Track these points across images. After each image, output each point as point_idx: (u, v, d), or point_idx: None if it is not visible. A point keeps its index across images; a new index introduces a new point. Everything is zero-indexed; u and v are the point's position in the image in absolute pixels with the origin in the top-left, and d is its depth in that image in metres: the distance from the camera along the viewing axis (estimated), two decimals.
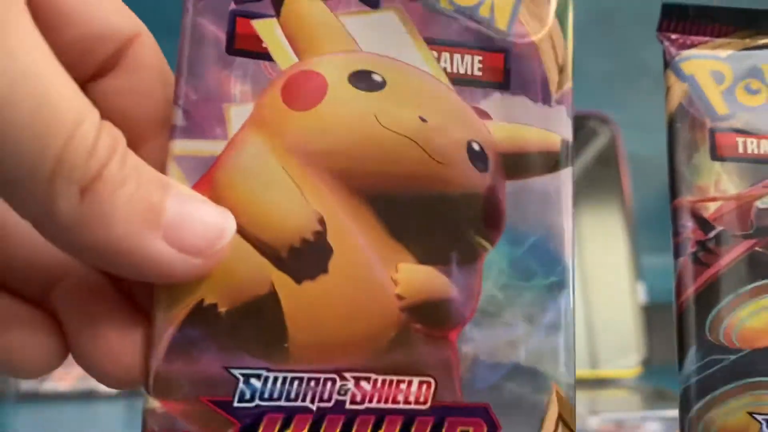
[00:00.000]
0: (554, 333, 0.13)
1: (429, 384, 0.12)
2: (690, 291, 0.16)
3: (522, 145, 0.14)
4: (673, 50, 0.18)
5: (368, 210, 0.13)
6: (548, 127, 0.14)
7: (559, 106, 0.14)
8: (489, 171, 0.13)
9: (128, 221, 0.11)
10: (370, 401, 0.12)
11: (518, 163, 0.13)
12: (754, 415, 0.15)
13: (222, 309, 0.12)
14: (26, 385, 0.52)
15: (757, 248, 0.16)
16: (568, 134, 0.14)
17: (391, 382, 0.12)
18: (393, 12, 0.13)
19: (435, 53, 0.13)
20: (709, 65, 0.18)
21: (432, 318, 0.13)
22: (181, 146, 0.12)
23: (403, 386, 0.12)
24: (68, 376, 0.52)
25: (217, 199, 0.12)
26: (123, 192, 0.11)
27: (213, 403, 0.12)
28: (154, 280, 0.12)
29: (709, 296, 0.16)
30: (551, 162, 0.14)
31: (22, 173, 0.10)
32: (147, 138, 0.13)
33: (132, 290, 0.13)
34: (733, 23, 0.18)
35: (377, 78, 0.13)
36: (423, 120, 0.13)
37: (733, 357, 0.16)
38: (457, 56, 0.14)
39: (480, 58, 0.14)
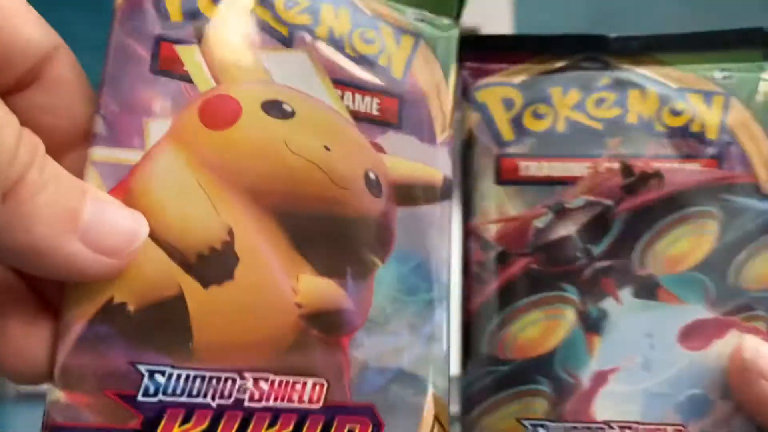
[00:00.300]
0: (433, 342, 0.15)
1: (322, 385, 0.13)
2: (472, 307, 0.18)
3: (410, 177, 0.15)
4: (470, 79, 0.19)
5: (274, 225, 0.14)
6: (433, 164, 0.16)
7: (442, 147, 0.16)
8: (382, 197, 0.15)
9: (47, 224, 0.11)
10: (267, 400, 0.13)
11: (407, 193, 0.15)
12: (522, 421, 0.17)
13: (131, 308, 0.12)
14: (27, 385, 0.49)
15: (532, 265, 0.17)
16: (448, 172, 0.16)
17: (287, 382, 0.13)
18: (304, 52, 0.15)
19: (339, 92, 0.15)
20: (502, 92, 0.18)
21: (327, 325, 0.14)
22: (100, 153, 0.13)
23: (298, 387, 0.13)
24: None
25: (132, 204, 0.13)
26: (42, 196, 0.11)
27: (118, 396, 0.12)
28: (70, 278, 0.12)
29: (487, 311, 0.17)
30: (434, 194, 0.16)
31: None
32: (66, 149, 0.13)
33: (42, 288, 0.13)
34: (528, 50, 0.19)
35: (287, 108, 0.14)
36: (327, 149, 0.14)
37: (505, 367, 0.17)
38: (358, 96, 0.15)
39: (378, 100, 0.15)
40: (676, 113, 0.18)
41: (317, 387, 0.13)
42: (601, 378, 0.17)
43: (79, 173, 0.12)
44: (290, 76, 0.15)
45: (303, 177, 0.14)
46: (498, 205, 0.18)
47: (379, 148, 0.15)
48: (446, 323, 0.15)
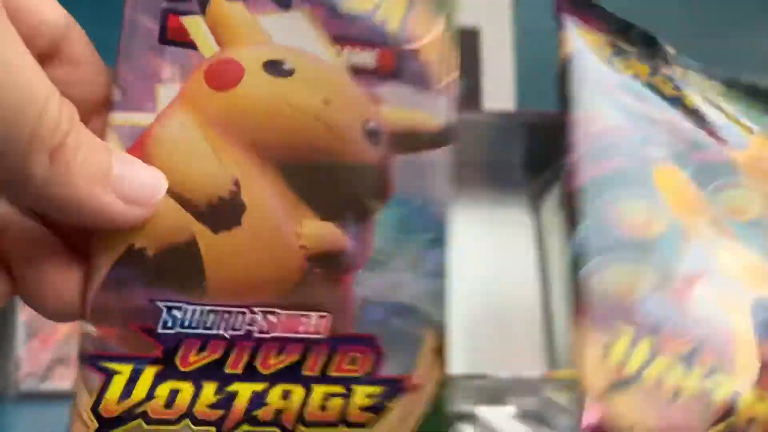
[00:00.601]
0: (432, 279, 0.15)
1: (326, 318, 0.15)
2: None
3: (408, 125, 0.16)
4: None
5: (278, 175, 0.15)
6: (432, 111, 0.16)
7: (442, 94, 0.16)
8: (381, 146, 0.16)
9: (85, 178, 0.13)
10: (275, 331, 0.14)
11: (406, 141, 0.16)
12: None
13: (149, 252, 0.14)
14: (27, 384, 0.53)
15: None
16: (449, 117, 0.16)
17: (293, 316, 0.15)
18: (302, 13, 0.16)
19: (338, 48, 0.16)
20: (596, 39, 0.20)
21: (330, 264, 0.15)
22: (118, 118, 0.15)
23: (303, 320, 0.15)
24: (68, 376, 0.53)
25: (148, 161, 0.14)
26: (80, 156, 0.13)
27: (140, 329, 0.14)
28: (104, 226, 0.14)
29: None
30: (434, 140, 0.16)
31: (3, 146, 0.12)
32: (85, 118, 0.15)
33: (72, 238, 0.15)
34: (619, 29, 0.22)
35: (287, 66, 0.15)
36: (326, 102, 0.15)
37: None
38: (356, 50, 0.16)
39: (376, 53, 0.16)
40: None
41: (322, 320, 0.15)
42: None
43: (100, 137, 0.14)
44: (290, 36, 0.16)
45: (303, 129, 0.15)
46: None
47: (379, 99, 0.16)
48: (445, 262, 0.16)
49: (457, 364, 0.57)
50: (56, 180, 0.13)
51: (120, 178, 0.14)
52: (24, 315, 0.53)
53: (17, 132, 0.12)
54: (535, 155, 0.58)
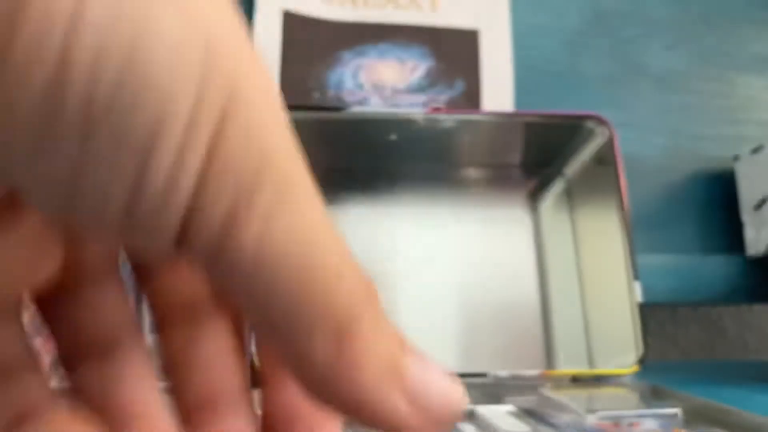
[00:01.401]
0: None
1: None
2: None
3: None
4: None
5: None
6: None
7: None
8: None
9: (373, 372, 0.11)
10: None
11: None
12: None
13: None
14: None
15: None
16: None
17: None
18: None
19: None
20: None
21: None
22: None
23: None
24: None
25: None
26: (371, 344, 0.11)
27: None
28: (383, 426, 0.12)
29: None
30: None
31: (287, 323, 0.10)
32: None
33: None
34: None
35: None
36: None
37: None
38: None
39: None
40: None
41: None
42: None
43: None
44: None
45: None
46: None
47: None
48: None
49: (456, 362, 0.58)
50: (340, 368, 0.11)
51: (414, 379, 0.12)
52: (27, 314, 0.54)
53: (302, 313, 0.10)
54: (534, 155, 0.58)
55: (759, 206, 0.63)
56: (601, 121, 0.54)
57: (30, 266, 0.12)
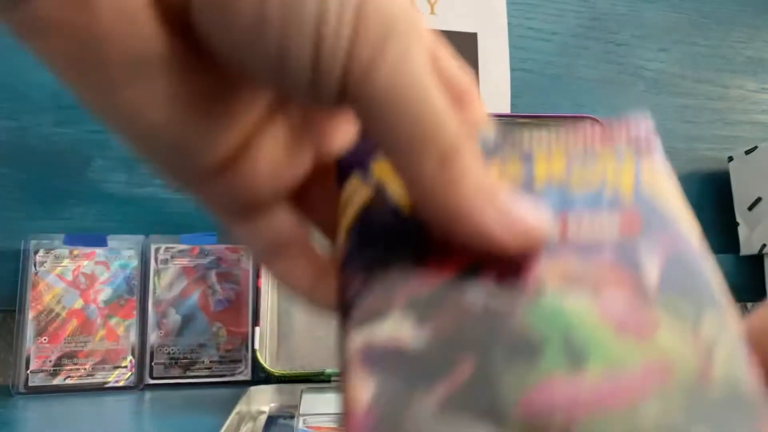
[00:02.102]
0: None
1: None
2: None
3: None
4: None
5: None
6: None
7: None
8: None
9: (472, 194, 0.13)
10: None
11: None
12: None
13: None
14: (36, 379, 0.54)
15: None
16: None
17: None
18: None
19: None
20: None
21: None
22: None
23: None
24: (76, 372, 0.55)
25: None
26: (469, 171, 0.13)
27: None
28: (478, 243, 0.14)
29: None
30: None
31: (402, 144, 0.13)
32: None
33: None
34: None
35: None
36: None
37: None
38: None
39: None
40: None
41: None
42: None
43: None
44: None
45: None
46: None
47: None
48: None
49: None
50: (444, 187, 0.13)
51: (505, 205, 0.14)
52: (33, 312, 0.55)
53: (415, 137, 0.13)
54: None
55: (752, 206, 0.64)
56: (596, 123, 0.55)
57: (296, 158, 0.15)
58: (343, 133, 0.17)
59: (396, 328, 0.14)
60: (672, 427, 0.12)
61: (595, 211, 0.15)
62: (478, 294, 0.14)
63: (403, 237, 0.15)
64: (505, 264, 0.14)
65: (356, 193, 0.16)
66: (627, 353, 0.13)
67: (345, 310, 0.14)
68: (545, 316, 0.14)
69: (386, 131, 0.13)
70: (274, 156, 0.15)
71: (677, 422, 0.12)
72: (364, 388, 0.13)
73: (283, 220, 0.16)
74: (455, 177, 0.13)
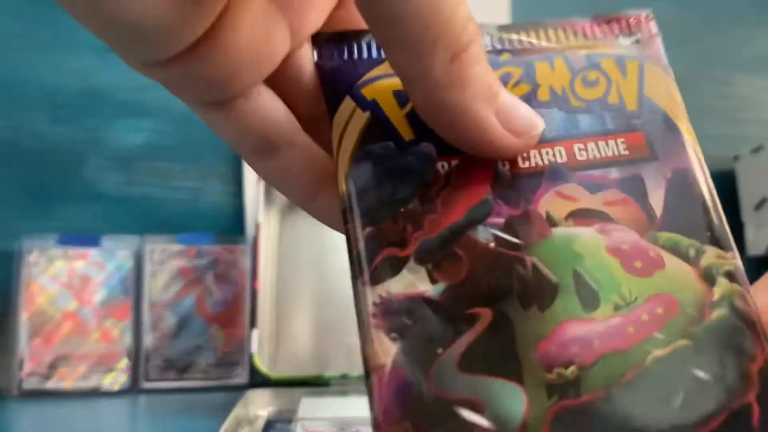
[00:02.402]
0: None
1: None
2: None
3: None
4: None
5: None
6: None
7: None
8: None
9: (476, 90, 0.14)
10: None
11: None
12: None
13: None
14: (29, 383, 0.53)
15: None
16: None
17: None
18: None
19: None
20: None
21: None
22: None
23: None
24: (71, 375, 0.54)
25: None
26: (477, 68, 0.14)
27: None
28: (481, 146, 0.14)
29: None
30: None
31: (413, 36, 0.13)
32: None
33: None
34: None
35: None
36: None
37: None
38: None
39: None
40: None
41: None
42: None
43: None
44: None
45: None
46: None
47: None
48: None
49: None
50: (451, 83, 0.13)
51: (504, 103, 0.14)
52: (26, 314, 0.54)
53: (428, 28, 0.13)
54: None
55: (759, 206, 0.63)
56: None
57: (272, 34, 0.15)
58: (318, 12, 0.16)
59: (411, 281, 0.14)
60: (678, 360, 0.13)
61: (600, 134, 0.15)
62: (488, 235, 0.14)
63: (406, 174, 0.15)
64: (514, 200, 0.14)
65: (352, 120, 0.16)
66: (635, 290, 0.14)
67: (356, 264, 0.14)
68: (555, 257, 0.14)
69: (396, 21, 0.13)
70: (250, 31, 0.14)
71: (683, 354, 0.13)
72: (386, 347, 0.13)
73: (266, 108, 0.15)
74: (464, 75, 0.13)
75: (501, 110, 0.14)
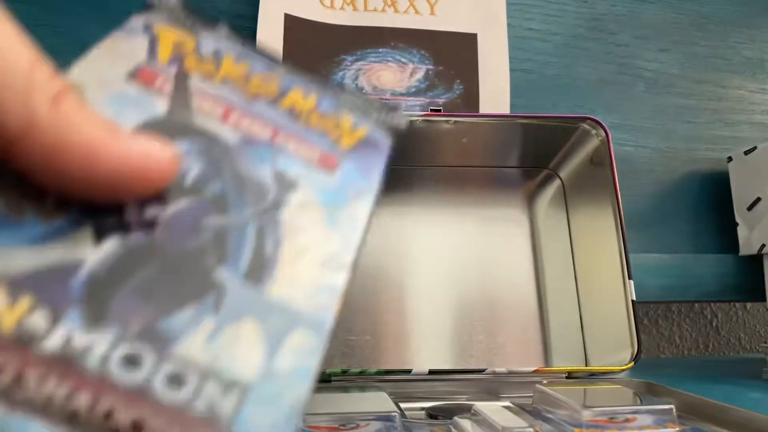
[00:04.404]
0: None
1: None
2: None
3: None
4: None
5: None
6: None
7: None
8: None
9: (93, 124, 0.13)
10: None
11: None
12: None
13: None
14: None
15: None
16: None
17: None
18: None
19: None
20: None
21: None
22: None
23: None
24: None
25: None
26: (83, 108, 0.14)
27: None
28: (126, 176, 0.14)
29: None
30: None
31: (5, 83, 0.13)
32: None
33: None
34: None
35: None
36: None
37: None
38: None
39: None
40: None
41: None
42: None
43: None
44: None
45: None
46: None
47: None
48: None
49: (453, 359, 0.58)
50: (62, 122, 0.13)
51: (127, 132, 0.14)
52: None
53: (13, 74, 0.12)
54: (530, 157, 0.59)
55: (752, 206, 0.64)
56: (595, 123, 0.55)
57: None
58: None
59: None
60: None
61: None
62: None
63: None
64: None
65: None
66: None
67: None
68: None
69: None
70: None
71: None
72: None
73: None
74: (70, 113, 0.13)
75: (127, 138, 0.14)
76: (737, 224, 0.65)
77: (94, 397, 0.12)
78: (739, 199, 0.65)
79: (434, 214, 0.58)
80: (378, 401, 0.38)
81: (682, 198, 0.69)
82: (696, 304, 0.75)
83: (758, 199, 0.63)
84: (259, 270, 0.15)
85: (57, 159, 0.13)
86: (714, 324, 0.75)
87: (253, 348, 0.14)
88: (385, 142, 0.19)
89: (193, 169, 0.16)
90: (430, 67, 0.62)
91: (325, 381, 0.52)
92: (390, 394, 0.40)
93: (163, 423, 0.12)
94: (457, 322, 0.56)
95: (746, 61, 0.73)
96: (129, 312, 0.13)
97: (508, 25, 0.65)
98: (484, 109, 0.61)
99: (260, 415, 0.13)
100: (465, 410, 0.38)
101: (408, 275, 0.56)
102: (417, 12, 0.62)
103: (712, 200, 0.69)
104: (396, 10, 0.62)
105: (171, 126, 0.17)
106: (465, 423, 0.37)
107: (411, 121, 0.54)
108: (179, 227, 0.15)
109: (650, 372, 0.51)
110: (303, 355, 0.14)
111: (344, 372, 0.52)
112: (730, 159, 0.67)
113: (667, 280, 0.65)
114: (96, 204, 0.14)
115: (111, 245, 0.14)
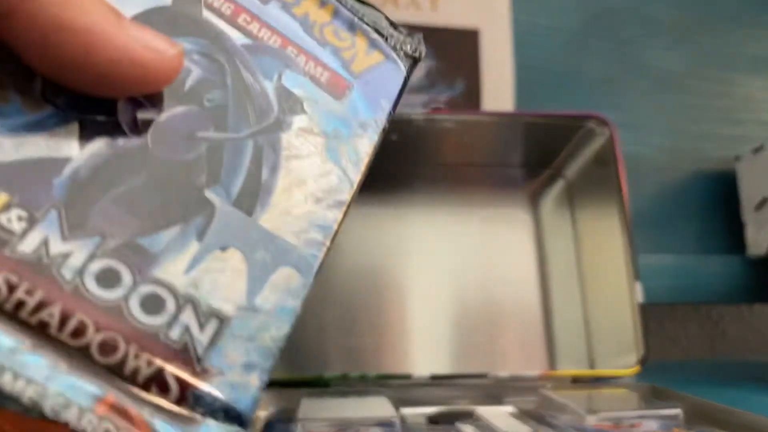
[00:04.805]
0: None
1: None
2: None
3: None
4: None
5: None
6: None
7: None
8: None
9: (99, 9, 0.13)
10: None
11: None
12: None
13: None
14: None
15: None
16: None
17: None
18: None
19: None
20: None
21: None
22: None
23: None
24: None
25: None
26: None
27: None
28: (120, 67, 0.13)
29: None
30: None
31: None
32: None
33: None
34: None
35: None
36: None
37: None
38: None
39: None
40: None
41: None
42: None
43: None
44: None
45: None
46: None
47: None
48: None
49: (456, 362, 0.58)
50: (65, 6, 0.12)
51: (133, 23, 0.13)
52: None
53: None
54: (534, 155, 0.59)
55: (760, 206, 0.63)
56: (601, 122, 0.54)
57: None
58: None
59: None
60: None
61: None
62: None
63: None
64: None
65: None
66: None
67: None
68: None
69: None
70: None
71: None
72: None
73: None
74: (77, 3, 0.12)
75: (131, 29, 0.13)
76: (745, 224, 0.65)
77: (66, 311, 0.11)
78: (747, 198, 0.65)
79: (435, 214, 0.58)
80: (378, 406, 0.38)
81: (689, 198, 0.68)
82: (703, 306, 0.74)
83: (766, 199, 0.62)
84: (251, 197, 0.14)
85: (54, 37, 0.13)
86: (721, 326, 0.75)
87: (237, 280, 0.13)
88: (400, 72, 0.17)
89: (194, 72, 0.15)
90: (432, 63, 0.61)
91: (325, 386, 0.52)
92: (390, 399, 0.39)
93: (134, 348, 0.12)
94: (458, 325, 0.55)
95: (753, 59, 0.73)
96: (111, 223, 0.12)
97: (512, 20, 0.64)
98: (487, 106, 0.61)
99: (236, 352, 0.12)
100: (467, 415, 0.38)
101: (409, 277, 0.55)
102: (418, 7, 0.62)
103: (719, 200, 0.69)
104: (396, 5, 0.62)
105: (176, 17, 0.15)
106: (467, 429, 0.36)
107: (411, 120, 0.53)
108: (172, 135, 0.14)
109: (656, 375, 0.51)
110: (287, 294, 0.14)
111: (344, 377, 0.51)
112: (737, 158, 0.66)
113: (673, 282, 0.64)
114: (87, 96, 0.13)
115: (98, 145, 0.13)
